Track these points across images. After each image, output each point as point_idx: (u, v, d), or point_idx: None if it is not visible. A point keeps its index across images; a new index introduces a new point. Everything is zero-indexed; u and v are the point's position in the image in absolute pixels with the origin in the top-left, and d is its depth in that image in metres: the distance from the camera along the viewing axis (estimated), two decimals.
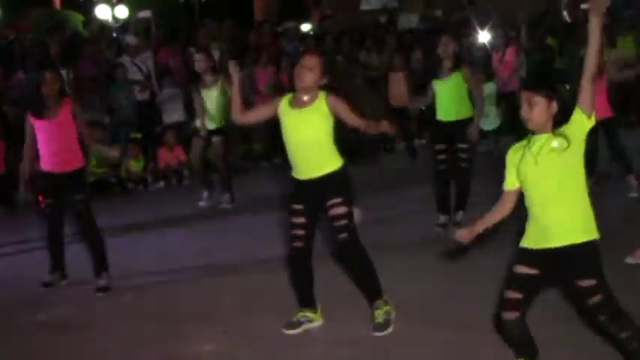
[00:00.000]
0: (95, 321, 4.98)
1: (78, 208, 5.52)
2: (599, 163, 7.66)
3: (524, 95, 3.35)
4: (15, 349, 4.63)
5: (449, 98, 6.32)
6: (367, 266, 4.44)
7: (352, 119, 4.33)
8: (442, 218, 6.60)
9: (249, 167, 10.49)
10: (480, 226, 3.59)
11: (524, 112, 3.36)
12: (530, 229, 3.43)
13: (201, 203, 8.34)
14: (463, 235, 3.62)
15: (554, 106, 3.33)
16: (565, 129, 3.32)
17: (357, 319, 4.56)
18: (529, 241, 3.42)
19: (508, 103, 9.15)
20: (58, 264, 5.71)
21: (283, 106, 4.38)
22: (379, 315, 4.42)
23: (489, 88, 8.55)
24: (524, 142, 3.45)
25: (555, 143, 3.31)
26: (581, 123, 3.33)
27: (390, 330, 4.38)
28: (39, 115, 5.46)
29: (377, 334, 4.35)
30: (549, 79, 3.43)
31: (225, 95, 8.03)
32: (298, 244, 4.42)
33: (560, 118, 3.33)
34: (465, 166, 6.44)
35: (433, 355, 4.12)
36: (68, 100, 5.52)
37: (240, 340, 4.49)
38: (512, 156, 3.48)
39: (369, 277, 4.46)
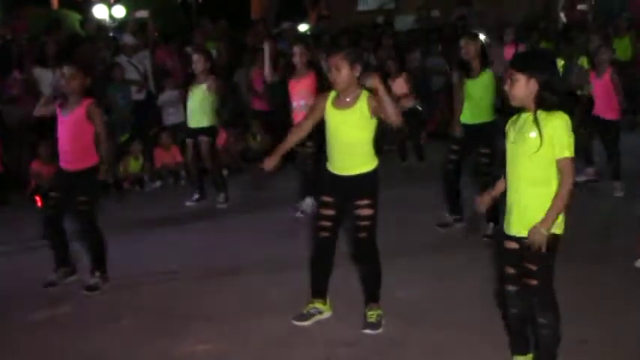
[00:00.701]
0: (92, 320, 4.96)
1: (80, 209, 5.48)
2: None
3: (508, 72, 3.51)
4: (11, 349, 4.62)
5: (475, 99, 6.19)
6: (376, 269, 4.57)
7: (392, 117, 4.30)
8: (446, 217, 6.55)
9: (246, 167, 10.47)
10: (498, 191, 3.77)
11: (506, 87, 3.52)
12: (506, 204, 3.61)
13: (188, 203, 8.34)
14: (484, 200, 3.81)
15: (534, 84, 3.41)
16: (547, 124, 3.37)
17: (353, 321, 4.57)
18: (505, 221, 3.63)
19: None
20: (62, 261, 5.66)
21: (328, 105, 4.46)
22: (372, 316, 4.51)
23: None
24: (514, 118, 3.59)
25: (533, 134, 3.40)
26: (560, 147, 3.39)
27: (381, 330, 4.45)
28: (60, 108, 5.47)
29: (368, 331, 4.44)
30: (533, 59, 3.53)
31: (217, 94, 8.01)
32: (324, 234, 4.55)
33: (544, 99, 3.39)
34: (486, 172, 6.21)
35: (430, 355, 4.13)
36: (87, 101, 5.43)
37: (237, 340, 4.49)
38: (507, 127, 3.63)
39: (375, 280, 4.59)
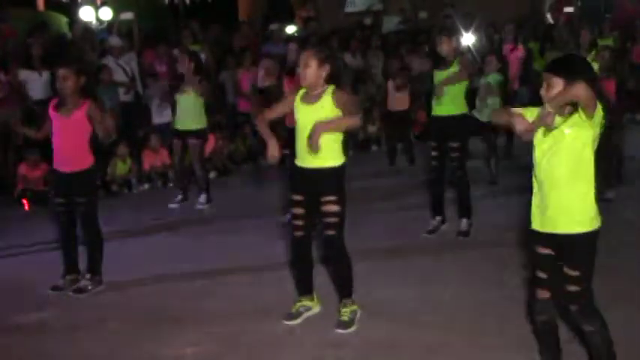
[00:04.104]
0: (80, 323, 4.94)
1: (80, 210, 5.46)
2: None
3: (545, 76, 3.45)
4: (0, 353, 4.61)
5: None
6: (346, 265, 4.58)
7: (350, 111, 4.41)
8: (431, 222, 6.52)
9: (234, 169, 10.47)
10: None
11: (543, 92, 3.45)
12: (534, 205, 3.52)
13: (171, 205, 8.35)
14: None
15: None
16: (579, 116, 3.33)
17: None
18: (535, 222, 3.53)
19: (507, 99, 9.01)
20: (70, 267, 5.61)
21: (297, 100, 4.54)
22: (345, 313, 4.55)
23: (494, 78, 8.47)
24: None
25: (567, 130, 3.36)
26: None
27: (353, 328, 4.47)
28: (57, 110, 5.44)
29: (339, 330, 4.46)
30: (572, 64, 3.49)
31: (202, 97, 7.99)
32: (298, 233, 4.59)
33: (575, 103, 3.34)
34: (457, 166, 6.26)
35: (418, 357, 4.13)
36: (86, 102, 5.39)
37: (226, 341, 4.48)
38: (534, 110, 3.49)
39: (346, 275, 4.60)
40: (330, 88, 4.44)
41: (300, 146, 4.50)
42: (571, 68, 3.41)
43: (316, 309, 4.72)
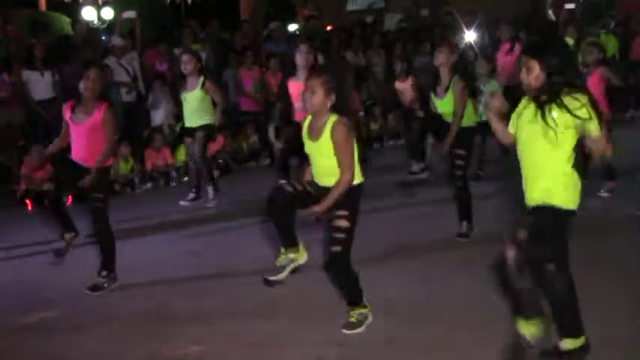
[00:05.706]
0: (83, 323, 4.96)
1: (95, 205, 5.46)
2: None
3: (523, 59, 3.51)
4: (3, 353, 4.61)
5: (447, 111, 6.18)
6: (352, 280, 4.46)
7: (341, 160, 4.28)
8: (462, 226, 6.38)
9: (237, 168, 10.49)
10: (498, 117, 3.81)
11: (522, 75, 3.51)
12: (523, 185, 3.64)
13: (183, 202, 8.39)
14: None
15: (548, 70, 3.41)
16: (570, 104, 3.37)
17: (343, 320, 4.57)
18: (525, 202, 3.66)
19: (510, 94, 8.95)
20: (67, 227, 5.72)
21: (304, 131, 4.48)
22: (354, 315, 4.50)
23: (495, 87, 8.49)
24: (526, 102, 3.59)
25: (555, 114, 3.39)
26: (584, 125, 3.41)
27: (360, 329, 4.43)
28: (73, 113, 5.45)
29: (345, 330, 4.43)
30: (548, 45, 3.51)
31: (208, 96, 8.02)
32: (289, 188, 4.44)
33: (557, 84, 3.38)
34: (459, 174, 6.18)
35: (420, 354, 4.14)
36: (104, 104, 5.41)
37: (228, 341, 4.50)
38: (520, 105, 3.64)
39: (352, 288, 4.49)
40: (331, 120, 4.30)
41: (314, 173, 4.47)
42: (546, 51, 3.44)
43: (302, 259, 4.61)
